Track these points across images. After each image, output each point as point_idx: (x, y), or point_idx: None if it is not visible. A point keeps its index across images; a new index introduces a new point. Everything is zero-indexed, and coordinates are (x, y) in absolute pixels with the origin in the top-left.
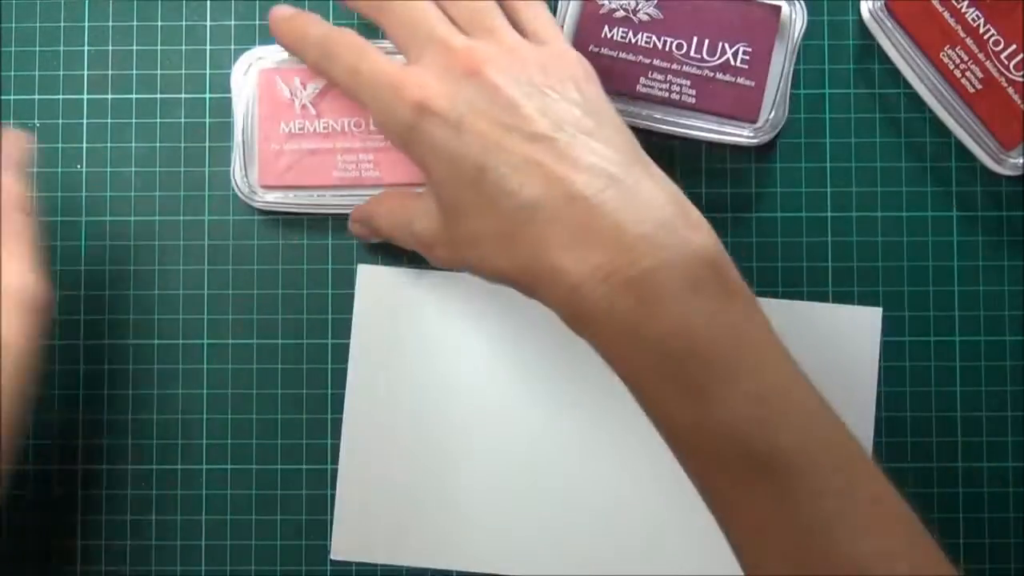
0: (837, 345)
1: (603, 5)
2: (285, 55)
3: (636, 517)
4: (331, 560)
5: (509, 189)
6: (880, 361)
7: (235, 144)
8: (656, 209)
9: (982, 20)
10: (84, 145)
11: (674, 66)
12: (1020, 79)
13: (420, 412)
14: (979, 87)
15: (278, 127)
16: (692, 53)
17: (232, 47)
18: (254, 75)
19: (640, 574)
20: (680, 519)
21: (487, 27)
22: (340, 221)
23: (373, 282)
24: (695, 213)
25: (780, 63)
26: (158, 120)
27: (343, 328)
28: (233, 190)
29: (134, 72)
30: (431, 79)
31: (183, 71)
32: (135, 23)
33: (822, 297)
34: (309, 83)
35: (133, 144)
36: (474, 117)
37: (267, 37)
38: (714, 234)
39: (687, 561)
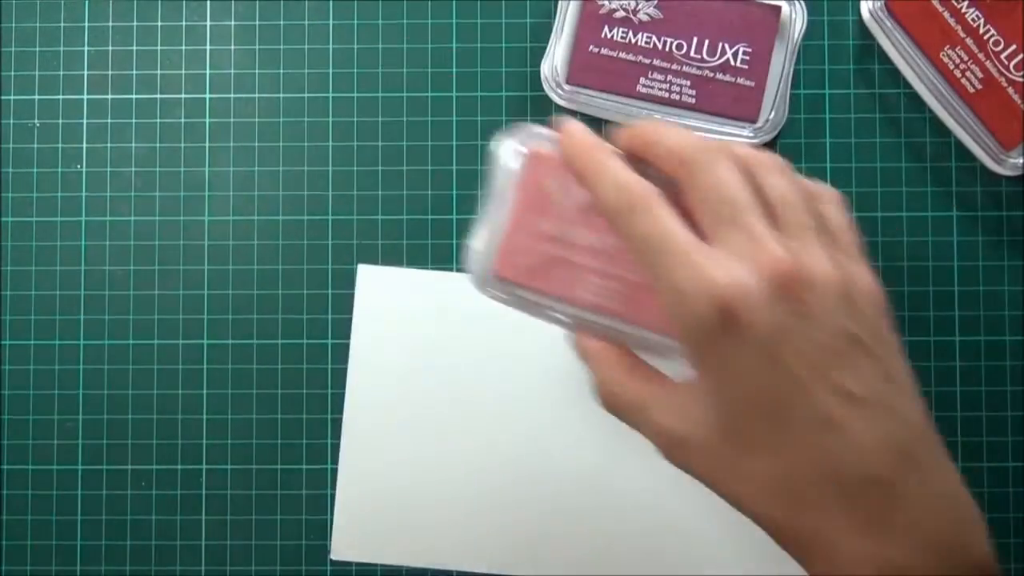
0: None
1: (603, 5)
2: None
3: (635, 515)
4: (331, 560)
5: (806, 444)
6: None
7: (485, 217)
8: (951, 509)
9: (982, 20)
10: (84, 145)
11: (674, 66)
12: (1020, 79)
13: (420, 412)
14: (979, 87)
15: (535, 222)
16: (692, 53)
17: (232, 47)
18: (520, 160)
19: (641, 574)
20: (678, 518)
21: (802, 225)
22: (341, 226)
23: (373, 282)
24: (975, 509)
25: (780, 63)
26: (158, 120)
27: (343, 328)
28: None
29: (134, 72)
30: (741, 276)
31: (183, 71)
32: (135, 23)
33: None
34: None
35: (133, 144)
36: (788, 348)
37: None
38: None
39: (687, 561)
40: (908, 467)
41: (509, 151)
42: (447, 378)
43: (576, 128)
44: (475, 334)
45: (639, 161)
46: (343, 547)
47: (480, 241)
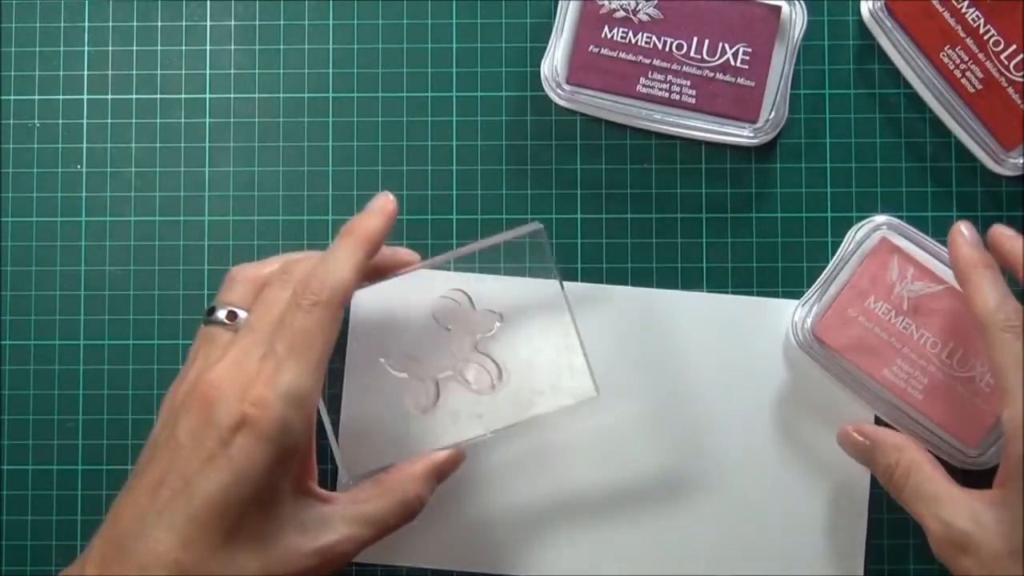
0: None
1: (603, 5)
2: (919, 249)
3: (635, 513)
4: None
5: None
6: None
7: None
8: None
9: (982, 20)
10: (84, 145)
11: (674, 66)
12: (1020, 79)
13: (417, 414)
14: (979, 87)
15: (867, 300)
16: (692, 53)
17: (232, 47)
18: (875, 239)
19: (642, 574)
20: (680, 515)
21: None
22: (341, 226)
23: (366, 303)
24: None
25: (780, 63)
26: (158, 120)
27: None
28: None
29: (134, 72)
30: None
31: (183, 71)
32: (135, 23)
33: None
34: (920, 282)
35: (133, 144)
36: None
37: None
38: None
39: (691, 561)
40: None
41: (869, 229)
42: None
43: (968, 234)
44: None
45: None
46: None
47: (809, 298)
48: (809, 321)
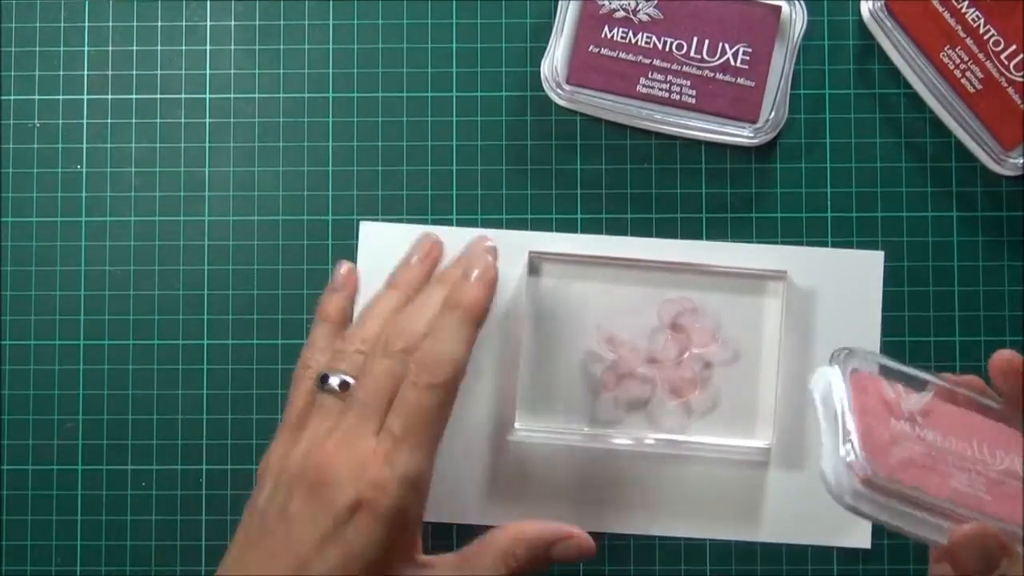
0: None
1: (603, 5)
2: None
3: (640, 477)
4: None
5: None
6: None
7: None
8: None
9: (982, 20)
10: (84, 145)
11: (674, 66)
12: (1020, 79)
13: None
14: (979, 87)
15: (886, 424)
16: (692, 53)
17: (232, 47)
18: (844, 379)
19: (645, 533)
20: (687, 481)
21: None
22: (341, 226)
23: (373, 238)
24: None
25: (780, 63)
26: (158, 120)
27: None
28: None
29: (134, 72)
30: None
31: (183, 71)
32: (135, 23)
33: None
34: (915, 394)
35: (133, 144)
36: None
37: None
38: None
39: (697, 527)
40: None
41: (828, 376)
42: None
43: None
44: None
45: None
46: None
47: (831, 459)
48: (851, 471)
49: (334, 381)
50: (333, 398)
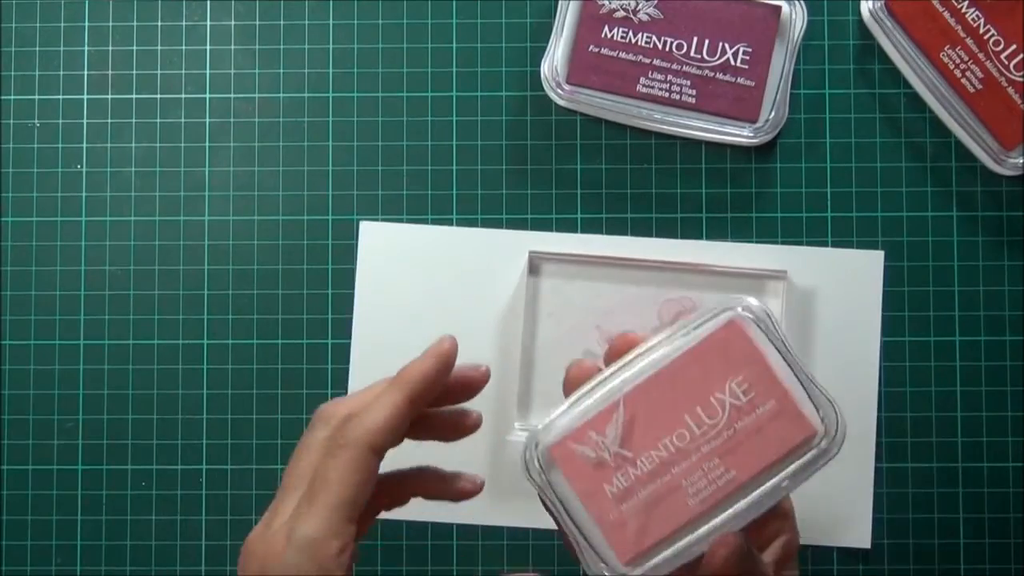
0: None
1: (603, 5)
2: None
3: None
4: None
5: None
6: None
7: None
8: None
9: (982, 20)
10: (84, 145)
11: (674, 66)
12: (1020, 79)
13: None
14: (979, 87)
15: (607, 495)
16: (692, 53)
17: (232, 47)
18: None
19: None
20: None
21: None
22: (341, 226)
23: (373, 238)
24: None
25: (780, 63)
26: (158, 120)
27: (342, 328)
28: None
29: (134, 72)
30: None
31: (183, 71)
32: (135, 23)
33: None
34: (608, 427)
35: (133, 144)
36: None
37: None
38: None
39: None
40: None
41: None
42: (449, 332)
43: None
44: (476, 286)
45: None
46: None
47: (593, 567)
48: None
49: None
50: None
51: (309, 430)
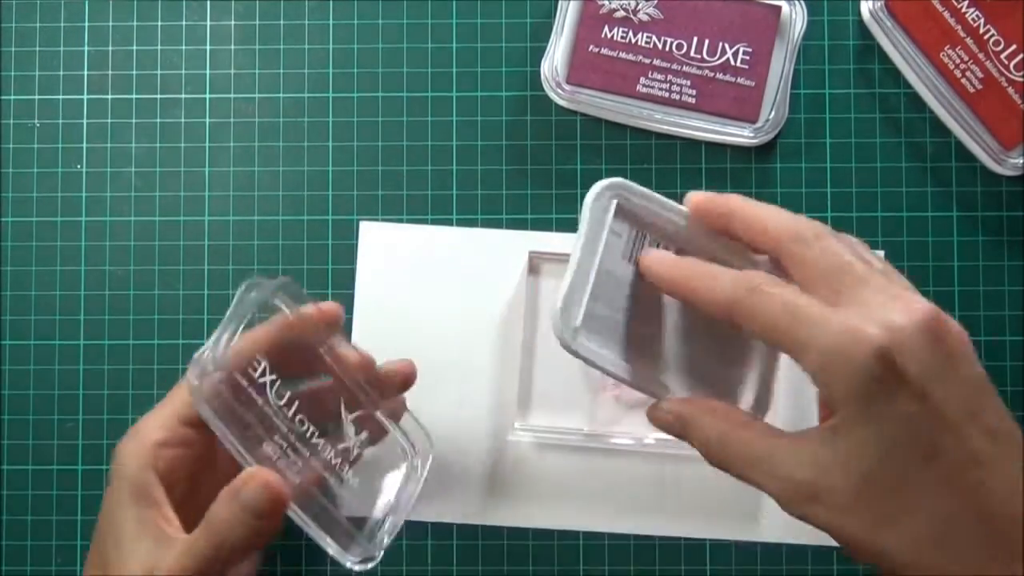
0: None
1: (603, 5)
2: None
3: (635, 474)
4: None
5: (963, 484)
6: None
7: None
8: None
9: (982, 20)
10: (84, 145)
11: (674, 66)
12: (1020, 79)
13: (423, 367)
14: (979, 87)
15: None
16: (692, 53)
17: (232, 47)
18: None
19: (642, 532)
20: (683, 480)
21: (905, 285)
22: (341, 226)
23: (373, 238)
24: None
25: (780, 63)
26: (158, 120)
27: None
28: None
29: (134, 72)
30: (895, 325)
31: (183, 71)
32: (135, 23)
33: None
34: None
35: (133, 144)
36: (940, 390)
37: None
38: None
39: (694, 525)
40: None
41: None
42: (448, 328)
43: (655, 257)
44: (476, 284)
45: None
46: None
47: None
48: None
49: None
50: None
51: None
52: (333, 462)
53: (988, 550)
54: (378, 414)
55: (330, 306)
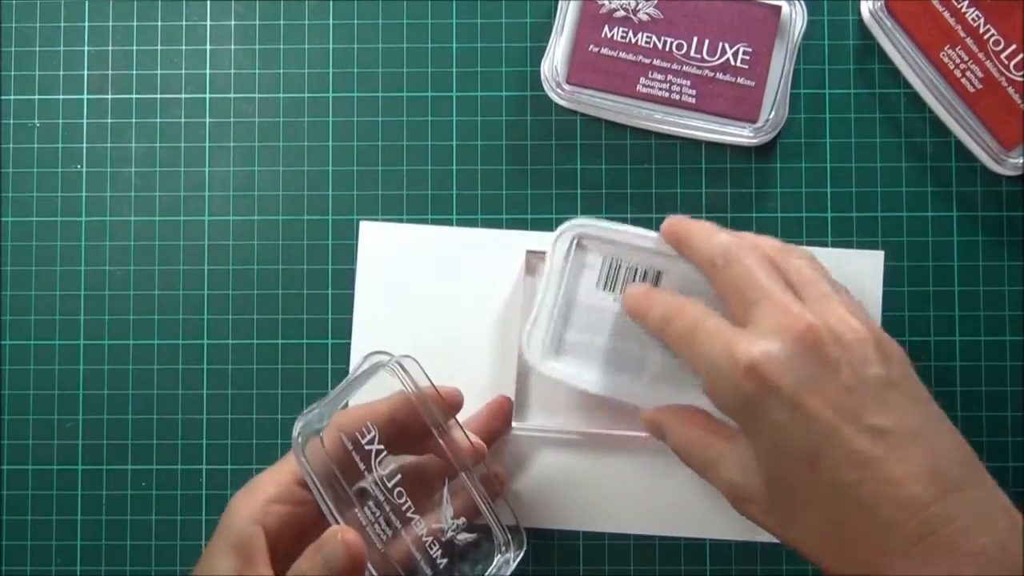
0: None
1: (603, 5)
2: None
3: (631, 469)
4: None
5: (844, 484)
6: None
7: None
8: (997, 525)
9: (982, 20)
10: (84, 145)
11: (674, 66)
12: (1020, 79)
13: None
14: (979, 87)
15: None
16: (692, 53)
17: (232, 47)
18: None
19: (642, 533)
20: (680, 479)
21: (823, 294)
22: (341, 226)
23: (373, 238)
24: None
25: (780, 63)
26: (158, 120)
27: (342, 328)
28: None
29: (134, 72)
30: (765, 343)
31: (183, 71)
32: (135, 23)
33: None
34: None
35: (133, 144)
36: (815, 398)
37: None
38: None
39: (690, 525)
40: (945, 489)
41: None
42: (447, 329)
43: (626, 294)
44: (475, 284)
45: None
46: None
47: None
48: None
49: None
50: None
51: None
52: (424, 540)
53: (877, 545)
54: (480, 502)
55: (451, 391)
